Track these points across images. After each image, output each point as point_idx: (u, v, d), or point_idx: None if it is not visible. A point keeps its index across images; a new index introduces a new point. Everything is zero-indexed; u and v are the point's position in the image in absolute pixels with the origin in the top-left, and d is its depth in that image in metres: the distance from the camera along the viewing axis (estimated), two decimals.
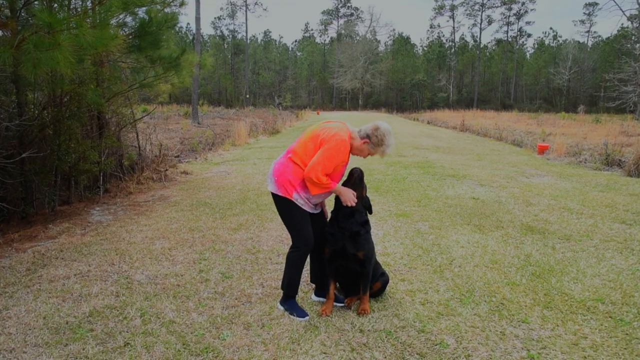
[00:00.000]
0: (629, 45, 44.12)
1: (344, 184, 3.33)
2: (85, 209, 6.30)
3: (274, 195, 3.22)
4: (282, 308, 3.35)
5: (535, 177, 9.23)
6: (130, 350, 2.79)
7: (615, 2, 61.59)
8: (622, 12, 40.91)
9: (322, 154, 3.03)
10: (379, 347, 2.86)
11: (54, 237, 5.05)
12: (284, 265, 4.19)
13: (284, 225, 5.43)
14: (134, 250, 4.62)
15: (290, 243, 4.80)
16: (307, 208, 3.23)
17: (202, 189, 7.77)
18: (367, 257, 3.27)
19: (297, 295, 3.43)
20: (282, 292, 3.41)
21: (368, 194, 3.52)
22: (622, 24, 58.07)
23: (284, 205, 3.21)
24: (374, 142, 3.15)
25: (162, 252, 4.55)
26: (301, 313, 3.26)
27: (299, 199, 3.16)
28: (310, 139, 3.13)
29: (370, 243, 3.33)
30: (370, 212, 3.45)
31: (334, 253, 3.30)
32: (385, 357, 2.75)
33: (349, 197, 3.19)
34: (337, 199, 3.32)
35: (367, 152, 3.22)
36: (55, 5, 5.28)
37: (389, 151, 3.22)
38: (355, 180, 3.30)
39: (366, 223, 3.35)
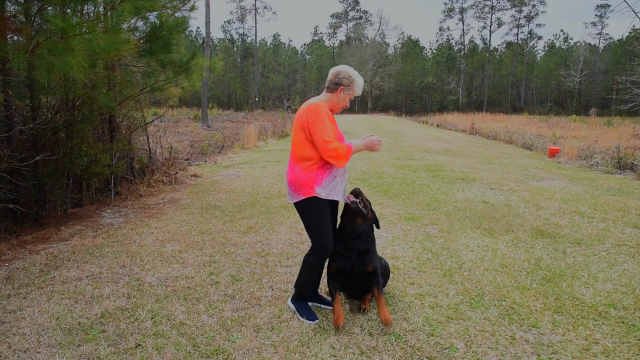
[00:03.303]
0: None
1: (342, 214, 3.25)
2: (96, 212, 6.37)
3: (298, 204, 3.13)
4: (292, 307, 3.33)
5: (546, 180, 9.16)
6: (141, 352, 2.82)
7: (627, 4, 61.01)
8: (635, 13, 40.46)
9: (314, 131, 2.96)
10: (388, 350, 2.86)
11: (66, 239, 5.11)
12: (293, 268, 4.23)
13: (293, 229, 5.48)
14: (145, 252, 4.66)
15: (299, 246, 4.85)
16: (334, 197, 3.10)
17: (212, 192, 7.81)
18: (375, 267, 3.19)
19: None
20: (293, 291, 3.41)
21: (377, 198, 3.51)
22: (634, 26, 57.55)
23: (307, 207, 3.09)
24: (346, 84, 3.11)
25: (173, 255, 4.59)
26: (311, 316, 3.23)
27: (322, 192, 3.05)
28: (297, 133, 3.08)
29: (375, 251, 3.26)
30: (378, 227, 3.36)
31: (340, 270, 3.20)
32: None
33: (375, 145, 3.14)
34: (342, 217, 3.24)
35: (347, 97, 3.17)
36: (69, 10, 5.36)
37: (361, 82, 3.18)
38: (357, 203, 3.18)
39: (373, 240, 3.26)
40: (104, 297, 3.60)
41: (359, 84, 3.16)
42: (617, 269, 4.25)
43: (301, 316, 3.25)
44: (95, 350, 2.83)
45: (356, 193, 3.21)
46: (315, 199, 3.06)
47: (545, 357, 2.78)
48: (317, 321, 3.20)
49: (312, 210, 3.09)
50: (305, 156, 3.05)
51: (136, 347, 2.88)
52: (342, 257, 3.18)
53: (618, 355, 2.82)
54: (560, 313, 3.36)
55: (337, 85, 3.12)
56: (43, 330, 3.08)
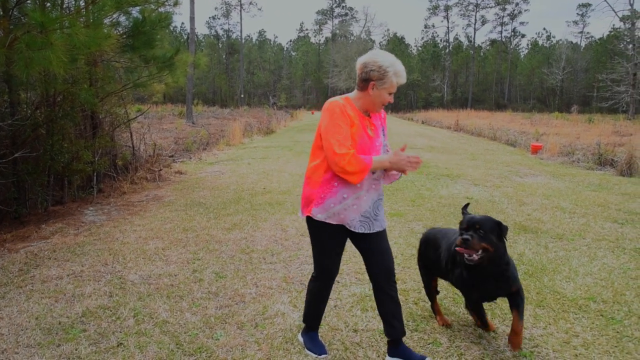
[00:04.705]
0: (621, 46, 44.50)
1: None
2: (78, 209, 6.27)
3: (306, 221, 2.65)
4: (301, 340, 2.89)
5: (529, 176, 9.28)
6: (123, 351, 2.78)
7: (607, 3, 62.04)
8: (615, 12, 41.17)
9: (324, 137, 2.40)
10: (372, 346, 2.87)
11: (47, 238, 5.02)
12: (277, 265, 4.22)
13: (278, 225, 5.47)
14: (128, 250, 4.61)
15: (283, 243, 4.83)
16: (337, 221, 2.50)
17: (196, 188, 7.75)
18: (520, 286, 2.76)
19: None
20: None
21: None
22: (614, 25, 58.61)
23: (308, 227, 2.64)
24: (377, 77, 2.41)
25: (156, 252, 4.54)
26: (319, 349, 2.77)
27: (320, 214, 2.49)
28: (316, 138, 2.54)
29: (513, 266, 2.75)
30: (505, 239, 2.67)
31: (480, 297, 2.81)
32: (379, 356, 2.76)
33: (405, 164, 2.43)
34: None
35: (384, 92, 2.45)
36: (48, 4, 5.25)
37: (398, 68, 2.43)
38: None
39: (509, 261, 2.70)
40: (85, 295, 3.55)
41: (395, 72, 2.42)
42: (597, 263, 4.32)
43: (308, 349, 2.80)
44: (76, 349, 2.79)
45: (468, 245, 2.52)
46: (312, 221, 2.56)
47: (526, 351, 2.82)
48: (325, 356, 2.75)
49: (311, 233, 2.63)
50: (315, 166, 2.52)
51: (118, 346, 2.84)
52: (483, 286, 2.71)
53: (597, 347, 2.86)
54: (542, 307, 3.41)
55: (366, 81, 2.44)
56: (22, 330, 3.02)
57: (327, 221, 2.50)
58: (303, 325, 2.93)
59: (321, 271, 2.68)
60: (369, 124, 2.53)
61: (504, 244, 2.61)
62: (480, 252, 2.52)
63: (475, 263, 2.54)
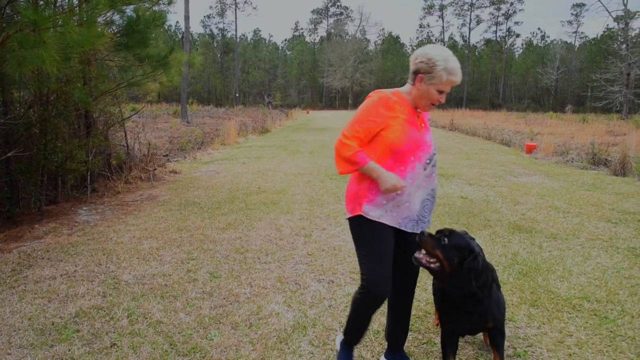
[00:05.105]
0: (615, 46, 44.77)
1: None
2: (72, 209, 6.23)
3: (349, 222, 2.44)
4: (338, 344, 2.69)
5: (523, 176, 9.31)
6: (116, 351, 2.77)
7: (601, 3, 62.35)
8: (609, 12, 41.41)
9: (355, 113, 2.33)
10: (367, 346, 2.87)
11: (40, 237, 4.99)
12: (272, 264, 4.21)
13: (273, 225, 5.45)
14: (122, 250, 4.58)
15: (278, 242, 4.82)
16: (388, 220, 2.31)
17: (191, 188, 7.73)
18: (499, 322, 2.38)
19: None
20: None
21: None
22: (607, 25, 58.93)
23: (354, 228, 2.40)
24: (424, 70, 2.26)
25: (150, 252, 4.52)
26: None
27: (373, 211, 2.30)
28: None
29: (495, 300, 2.36)
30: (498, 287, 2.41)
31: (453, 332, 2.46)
32: (374, 356, 2.76)
33: (391, 184, 2.21)
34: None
35: (433, 89, 2.27)
36: (41, 2, 5.21)
37: (452, 65, 2.24)
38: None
39: (482, 298, 2.27)
40: (79, 296, 3.53)
41: (447, 68, 2.23)
42: (591, 262, 4.34)
43: None
44: (69, 350, 2.77)
45: (420, 240, 2.27)
46: (361, 220, 2.33)
47: (520, 350, 2.83)
48: None
49: (359, 235, 2.38)
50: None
51: (111, 346, 2.83)
52: (451, 319, 2.38)
53: (591, 346, 2.88)
54: (536, 307, 3.42)
55: (414, 74, 2.32)
56: (14, 331, 3.00)
57: (381, 220, 2.29)
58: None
59: (370, 282, 2.30)
60: (418, 118, 2.39)
61: (468, 276, 2.19)
62: (433, 260, 2.23)
63: (426, 268, 2.26)
